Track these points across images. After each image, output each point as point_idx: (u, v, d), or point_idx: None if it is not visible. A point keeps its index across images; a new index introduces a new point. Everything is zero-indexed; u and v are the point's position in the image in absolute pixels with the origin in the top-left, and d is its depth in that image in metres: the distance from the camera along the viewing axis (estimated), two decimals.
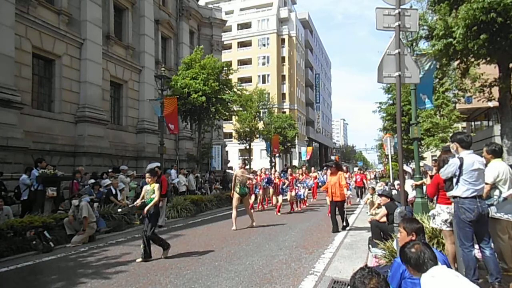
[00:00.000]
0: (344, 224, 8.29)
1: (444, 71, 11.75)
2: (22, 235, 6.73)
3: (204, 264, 5.43)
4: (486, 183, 4.15)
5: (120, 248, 6.85)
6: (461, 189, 3.76)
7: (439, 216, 4.37)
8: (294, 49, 52.36)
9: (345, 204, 8.46)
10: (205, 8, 27.59)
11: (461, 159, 3.75)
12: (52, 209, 8.91)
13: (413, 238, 2.80)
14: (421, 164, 7.82)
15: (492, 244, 4.13)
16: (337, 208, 8.16)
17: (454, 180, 3.82)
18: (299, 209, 12.95)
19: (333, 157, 58.82)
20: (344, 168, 13.40)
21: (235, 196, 8.76)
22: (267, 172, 13.90)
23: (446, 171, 3.89)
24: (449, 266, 2.55)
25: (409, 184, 7.73)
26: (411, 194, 7.56)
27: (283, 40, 51.49)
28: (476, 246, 3.89)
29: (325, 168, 14.37)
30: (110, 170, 12.55)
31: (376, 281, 1.89)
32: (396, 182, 10.79)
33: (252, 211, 13.13)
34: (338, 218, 8.30)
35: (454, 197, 3.85)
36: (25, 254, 6.39)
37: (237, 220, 8.69)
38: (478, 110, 24.41)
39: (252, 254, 6.03)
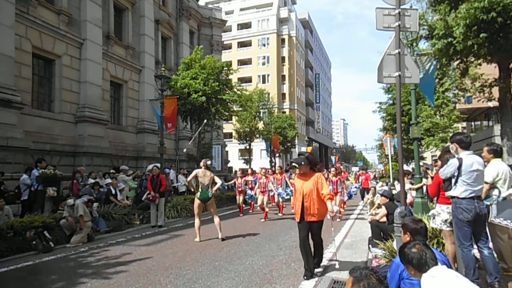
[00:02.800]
0: (317, 260, 4.91)
1: (444, 71, 11.74)
2: (22, 235, 6.72)
3: (204, 264, 5.43)
4: (486, 183, 4.16)
5: (120, 248, 6.85)
6: (459, 190, 3.77)
7: (439, 216, 4.37)
8: (294, 49, 52.36)
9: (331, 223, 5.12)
10: (205, 8, 27.59)
11: (460, 160, 3.76)
12: (52, 209, 8.91)
13: (408, 238, 2.80)
14: (421, 164, 7.79)
15: (491, 244, 4.14)
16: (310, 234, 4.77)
17: (453, 180, 3.84)
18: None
19: (333, 157, 58.82)
20: (334, 168, 11.51)
21: (196, 202, 7.28)
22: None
23: (445, 171, 3.91)
24: (449, 266, 2.56)
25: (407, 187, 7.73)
26: (408, 197, 7.55)
27: (283, 40, 51.49)
28: (475, 246, 3.90)
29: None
30: (113, 172, 12.56)
31: (376, 278, 1.88)
32: (396, 182, 10.81)
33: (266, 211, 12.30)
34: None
35: (452, 197, 3.87)
36: (25, 254, 6.39)
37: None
38: (478, 110, 24.41)
39: (252, 254, 6.03)
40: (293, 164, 4.73)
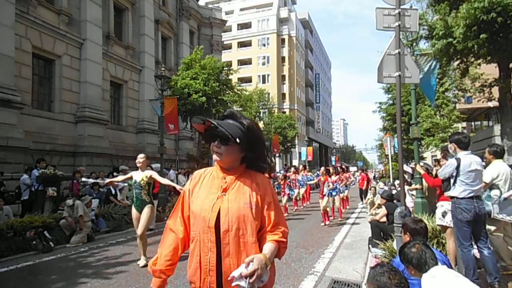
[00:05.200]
0: None
1: (444, 71, 11.74)
2: (22, 235, 6.73)
3: None
4: (484, 182, 4.16)
5: (120, 248, 6.85)
6: (458, 190, 3.78)
7: (450, 213, 4.35)
8: (294, 49, 52.36)
9: None
10: (205, 8, 27.59)
11: (458, 160, 3.77)
12: (52, 209, 8.90)
13: (408, 238, 2.81)
14: (421, 163, 7.78)
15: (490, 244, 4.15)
16: None
17: (452, 180, 3.85)
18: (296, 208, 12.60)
19: (333, 158, 58.77)
20: (325, 168, 10.07)
21: (133, 213, 5.50)
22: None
23: (444, 172, 3.93)
24: (449, 267, 2.56)
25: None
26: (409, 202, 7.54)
27: (283, 40, 51.49)
28: (475, 246, 3.90)
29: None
30: (114, 174, 12.51)
31: (400, 277, 1.88)
32: (396, 182, 10.81)
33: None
34: None
35: (451, 197, 3.88)
36: (25, 254, 6.39)
37: None
38: (478, 110, 24.40)
39: None
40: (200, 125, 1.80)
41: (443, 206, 4.54)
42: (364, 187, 15.32)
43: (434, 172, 5.78)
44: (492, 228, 4.29)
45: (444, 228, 4.51)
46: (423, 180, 6.89)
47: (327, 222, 9.25)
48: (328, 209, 9.49)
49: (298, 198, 13.09)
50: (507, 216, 3.95)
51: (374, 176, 29.92)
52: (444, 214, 4.48)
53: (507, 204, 4.02)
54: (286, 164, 38.90)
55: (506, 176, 4.28)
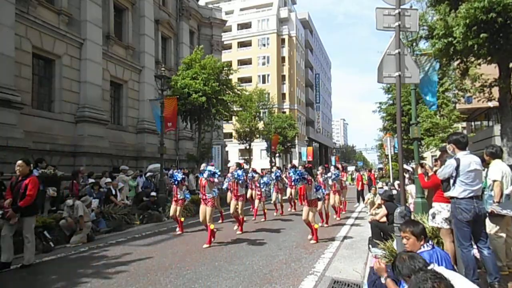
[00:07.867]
0: None
1: (444, 71, 11.74)
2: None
3: (204, 264, 5.43)
4: (495, 180, 4.17)
5: (120, 248, 6.85)
6: (458, 190, 3.78)
7: (440, 215, 4.38)
8: (294, 49, 52.37)
9: None
10: (205, 8, 27.59)
11: (457, 160, 3.78)
12: (48, 209, 8.87)
13: (422, 242, 2.81)
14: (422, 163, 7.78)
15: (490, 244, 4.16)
16: None
17: (451, 181, 3.85)
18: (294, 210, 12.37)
19: (333, 158, 58.80)
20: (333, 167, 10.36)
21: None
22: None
23: (443, 172, 3.93)
24: (451, 266, 2.56)
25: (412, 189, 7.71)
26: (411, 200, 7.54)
27: (283, 40, 51.50)
28: (475, 246, 3.91)
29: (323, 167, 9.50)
30: (114, 174, 12.49)
31: (445, 284, 1.79)
32: (396, 182, 10.81)
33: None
34: None
35: (451, 197, 3.88)
36: None
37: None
38: (478, 110, 24.40)
39: (252, 254, 6.03)
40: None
41: (434, 207, 4.57)
42: (359, 188, 15.03)
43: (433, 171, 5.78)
44: (494, 228, 4.30)
45: (439, 229, 4.53)
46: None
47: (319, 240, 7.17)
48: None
49: (284, 200, 12.61)
50: (503, 210, 3.97)
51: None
52: (433, 215, 4.49)
53: (510, 203, 4.04)
54: (284, 164, 38.92)
55: (506, 175, 4.31)
